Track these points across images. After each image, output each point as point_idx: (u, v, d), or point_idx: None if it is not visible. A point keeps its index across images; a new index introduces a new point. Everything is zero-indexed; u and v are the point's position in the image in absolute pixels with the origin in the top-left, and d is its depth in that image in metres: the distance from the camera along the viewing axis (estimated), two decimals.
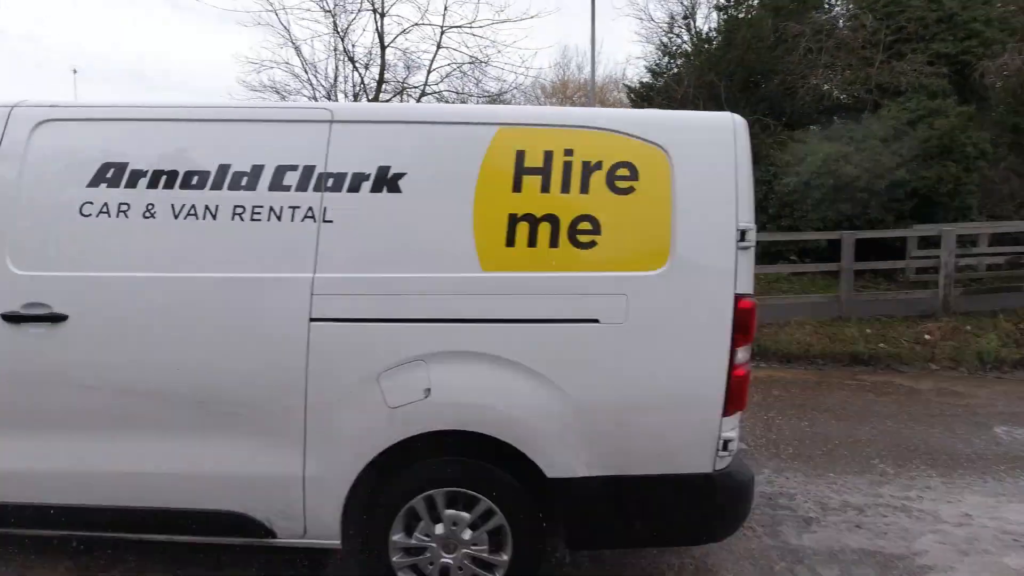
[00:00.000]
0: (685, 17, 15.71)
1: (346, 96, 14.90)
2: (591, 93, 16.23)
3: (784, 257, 11.35)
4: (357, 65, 14.44)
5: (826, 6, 14.27)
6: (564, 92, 28.84)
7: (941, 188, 11.04)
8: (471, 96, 14.93)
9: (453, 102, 14.79)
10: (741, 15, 14.61)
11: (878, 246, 10.05)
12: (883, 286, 10.12)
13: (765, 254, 11.35)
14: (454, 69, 14.46)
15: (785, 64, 13.11)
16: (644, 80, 16.84)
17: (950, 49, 12.77)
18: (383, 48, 14.10)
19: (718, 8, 15.30)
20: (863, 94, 12.48)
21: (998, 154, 14.45)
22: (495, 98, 15.78)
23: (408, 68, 14.80)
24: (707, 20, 15.68)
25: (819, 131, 13.04)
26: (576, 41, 45.05)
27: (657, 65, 16.37)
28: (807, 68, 12.71)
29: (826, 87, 13.25)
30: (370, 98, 14.38)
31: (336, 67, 15.40)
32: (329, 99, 14.39)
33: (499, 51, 14.66)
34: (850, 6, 13.97)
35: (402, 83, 14.96)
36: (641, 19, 17.13)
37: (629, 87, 18.08)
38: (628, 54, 53.45)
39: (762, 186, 11.70)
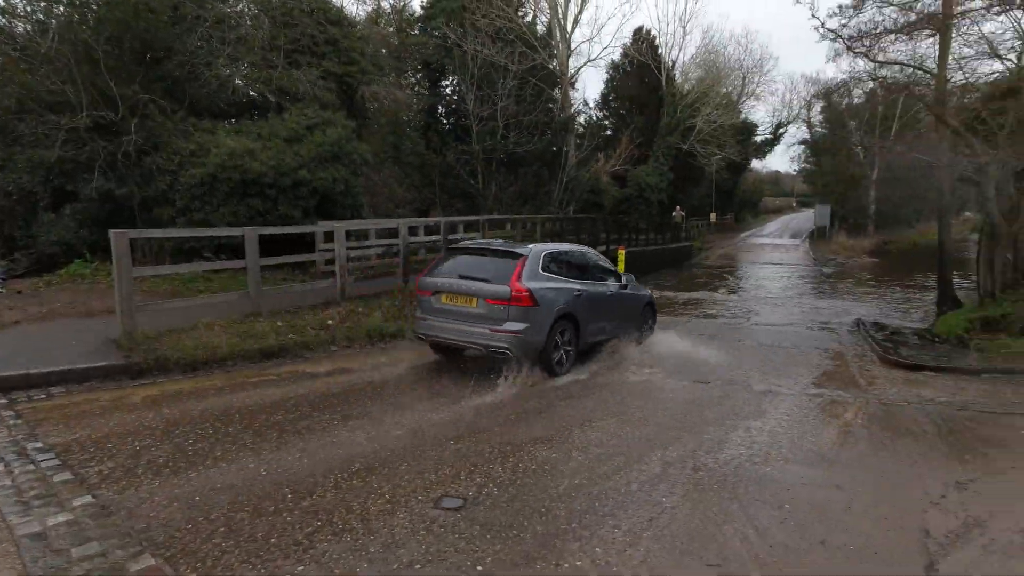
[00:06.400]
0: None
1: None
2: None
3: (200, 254, 11.19)
4: None
5: None
6: None
7: (336, 188, 12.39)
8: None
9: None
10: None
11: (296, 240, 10.38)
12: (299, 278, 10.57)
13: (179, 251, 11.18)
14: None
15: (184, 45, 12.39)
16: None
17: (337, 69, 14.67)
18: None
19: None
20: (267, 94, 13.14)
21: (384, 163, 18.13)
22: None
23: None
24: None
25: (226, 124, 13.07)
26: None
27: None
28: (210, 55, 12.42)
29: (237, 81, 13.33)
30: None
31: None
32: None
33: None
34: (251, 6, 14.12)
35: None
36: None
37: None
38: None
39: (167, 175, 11.50)
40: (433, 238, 12.98)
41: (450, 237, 12.63)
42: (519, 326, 6.76)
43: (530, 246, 7.51)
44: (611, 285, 8.59)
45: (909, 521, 3.84)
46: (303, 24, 14.09)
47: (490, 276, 7.04)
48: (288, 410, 5.53)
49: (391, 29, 24.53)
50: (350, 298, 9.56)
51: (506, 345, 6.76)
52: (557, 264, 7.64)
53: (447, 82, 24.73)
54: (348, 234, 10.12)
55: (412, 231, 12.47)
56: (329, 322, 8.60)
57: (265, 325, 7.99)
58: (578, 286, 7.72)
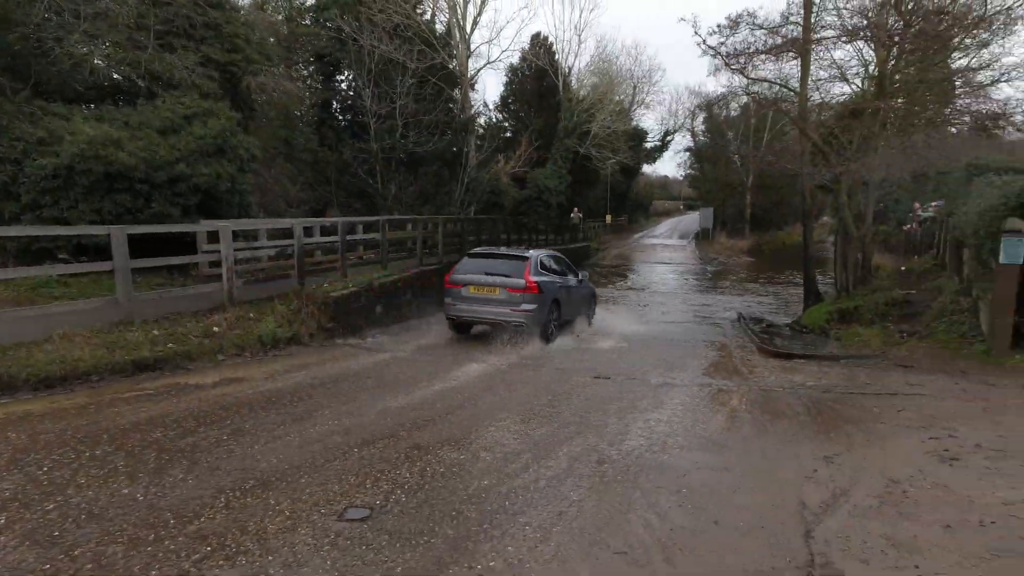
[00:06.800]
0: None
1: None
2: None
3: (54, 256, 9.89)
4: None
5: None
6: None
7: (221, 185, 11.37)
8: None
9: None
10: None
11: (175, 240, 9.49)
12: (179, 282, 9.82)
13: (26, 252, 9.79)
14: None
15: (27, 16, 10.63)
16: None
17: (219, 56, 13.49)
18: None
19: None
20: (136, 78, 11.69)
21: (275, 160, 16.98)
22: None
23: None
24: None
25: (84, 110, 11.55)
26: None
27: None
28: (61, 30, 10.76)
29: (96, 60, 11.74)
30: None
31: None
32: None
33: None
34: None
35: None
36: None
37: None
38: None
39: (8, 165, 10.11)
40: (331, 239, 12.41)
41: (354, 235, 12.15)
42: (532, 307, 9.50)
43: (531, 251, 10.73)
44: (571, 279, 11.18)
45: (788, 495, 4.22)
46: (178, 4, 12.78)
47: (508, 273, 9.69)
48: (168, 427, 5.01)
49: (280, 17, 23.15)
50: (239, 303, 8.87)
51: (523, 320, 9.49)
52: (546, 264, 10.45)
53: (342, 77, 23.71)
54: (236, 234, 9.40)
55: (308, 232, 11.78)
56: (215, 329, 7.93)
57: (138, 334, 7.20)
58: (559, 280, 10.53)
